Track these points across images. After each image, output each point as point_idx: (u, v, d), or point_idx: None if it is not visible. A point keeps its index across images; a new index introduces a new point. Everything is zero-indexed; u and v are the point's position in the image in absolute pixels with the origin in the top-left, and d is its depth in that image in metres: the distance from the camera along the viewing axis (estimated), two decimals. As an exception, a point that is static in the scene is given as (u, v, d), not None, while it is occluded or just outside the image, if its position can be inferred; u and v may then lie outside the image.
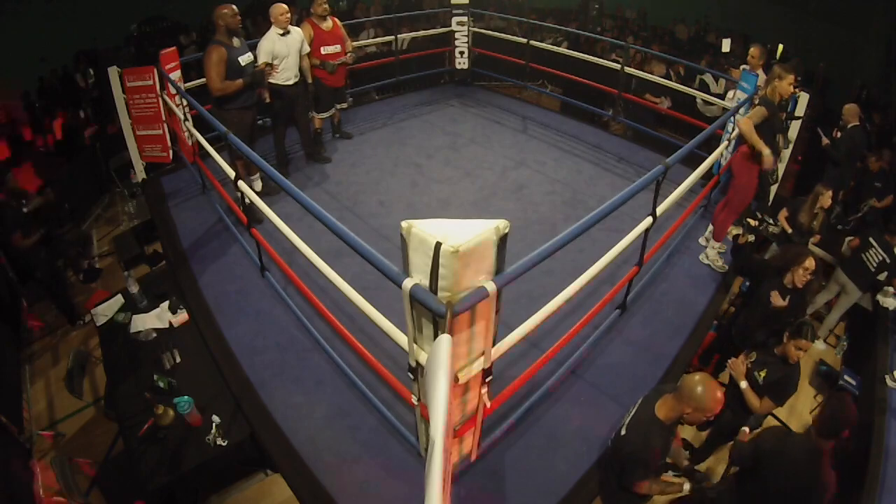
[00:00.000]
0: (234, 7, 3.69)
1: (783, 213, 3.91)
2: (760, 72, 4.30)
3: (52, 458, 2.96)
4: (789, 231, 3.83)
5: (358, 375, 2.73)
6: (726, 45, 5.03)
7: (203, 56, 3.72)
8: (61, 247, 5.05)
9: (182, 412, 2.61)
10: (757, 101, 3.38)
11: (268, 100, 4.11)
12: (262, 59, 3.96)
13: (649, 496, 2.22)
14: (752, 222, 3.77)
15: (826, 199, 3.70)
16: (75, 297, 4.91)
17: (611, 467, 2.20)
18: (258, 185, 4.33)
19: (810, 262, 2.88)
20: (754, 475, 2.34)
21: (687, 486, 2.19)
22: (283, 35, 4.07)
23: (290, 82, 4.26)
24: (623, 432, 2.08)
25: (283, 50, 4.09)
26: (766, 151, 3.16)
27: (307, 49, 4.35)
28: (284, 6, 4.05)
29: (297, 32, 4.20)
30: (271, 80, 4.11)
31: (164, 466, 2.51)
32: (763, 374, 2.69)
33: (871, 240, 3.93)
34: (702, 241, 3.89)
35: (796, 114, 4.06)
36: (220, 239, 3.93)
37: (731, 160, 3.65)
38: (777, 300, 2.93)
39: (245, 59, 3.79)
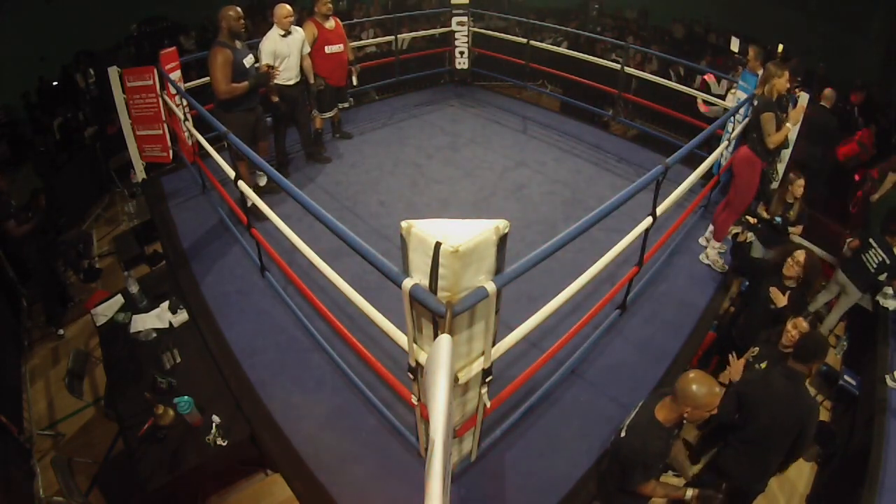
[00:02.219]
0: (240, 10, 3.68)
1: (761, 207, 3.89)
2: (761, 71, 4.31)
3: (52, 458, 2.96)
4: (767, 218, 3.79)
5: (358, 375, 2.73)
6: (735, 44, 5.02)
7: (208, 58, 3.71)
8: (61, 248, 5.05)
9: (182, 412, 2.61)
10: (756, 103, 3.38)
11: (276, 99, 4.11)
12: (264, 60, 3.97)
13: (649, 498, 2.22)
14: (752, 220, 3.76)
15: (797, 187, 3.66)
16: (76, 297, 4.92)
17: (610, 469, 2.20)
18: (263, 180, 4.33)
19: (799, 254, 2.89)
20: (743, 421, 2.41)
21: (689, 493, 2.18)
22: (284, 35, 4.08)
23: (291, 82, 4.26)
24: (623, 434, 2.08)
25: (284, 50, 4.09)
26: (788, 124, 3.25)
27: (308, 49, 4.36)
28: (289, 8, 4.06)
29: (298, 32, 4.20)
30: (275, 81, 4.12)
31: (164, 466, 2.51)
32: (764, 366, 2.69)
33: (871, 241, 3.93)
34: (702, 241, 3.89)
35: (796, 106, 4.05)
36: (220, 239, 3.93)
37: (731, 160, 3.65)
38: (777, 297, 2.93)
39: (248, 60, 3.79)
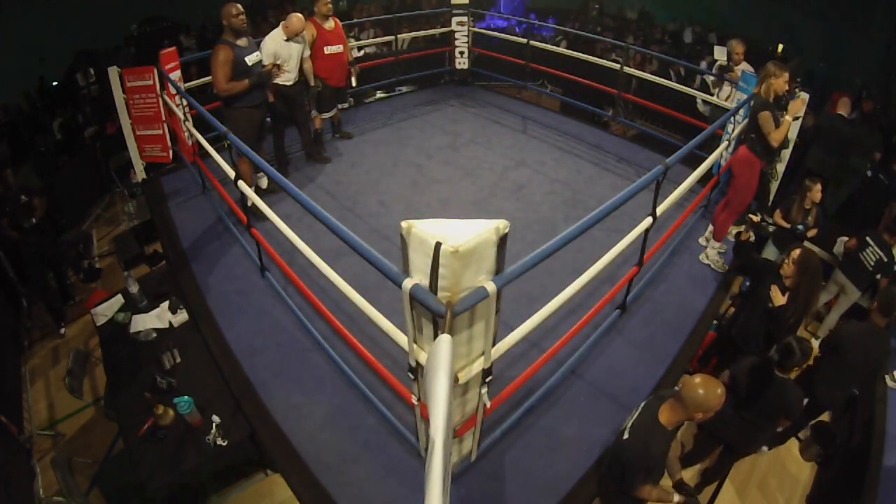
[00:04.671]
0: (240, 6, 3.67)
1: (777, 214, 3.91)
2: (745, 64, 4.40)
3: (52, 458, 2.96)
4: (787, 227, 3.80)
5: (358, 375, 2.73)
6: (720, 53, 5.01)
7: (210, 55, 3.71)
8: (61, 248, 5.05)
9: (182, 412, 2.61)
10: (753, 104, 3.37)
11: (271, 99, 4.12)
12: (266, 60, 3.97)
13: (647, 500, 2.22)
14: (755, 219, 3.76)
15: (816, 192, 3.69)
16: (76, 297, 4.92)
17: (611, 470, 2.20)
18: (264, 182, 4.33)
19: (795, 252, 2.89)
20: (833, 357, 3.08)
21: (677, 499, 2.19)
22: (287, 39, 4.09)
23: (291, 83, 4.27)
24: (625, 436, 2.07)
25: (285, 52, 4.09)
26: (787, 117, 3.28)
27: (308, 52, 4.37)
28: (302, 21, 4.09)
29: (300, 36, 4.21)
30: (275, 81, 4.13)
31: (164, 466, 2.51)
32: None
33: (868, 239, 3.93)
34: (702, 241, 3.89)
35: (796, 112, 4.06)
36: (220, 239, 3.93)
37: (731, 161, 3.64)
38: (776, 296, 2.93)
39: (252, 58, 3.77)
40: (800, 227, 3.69)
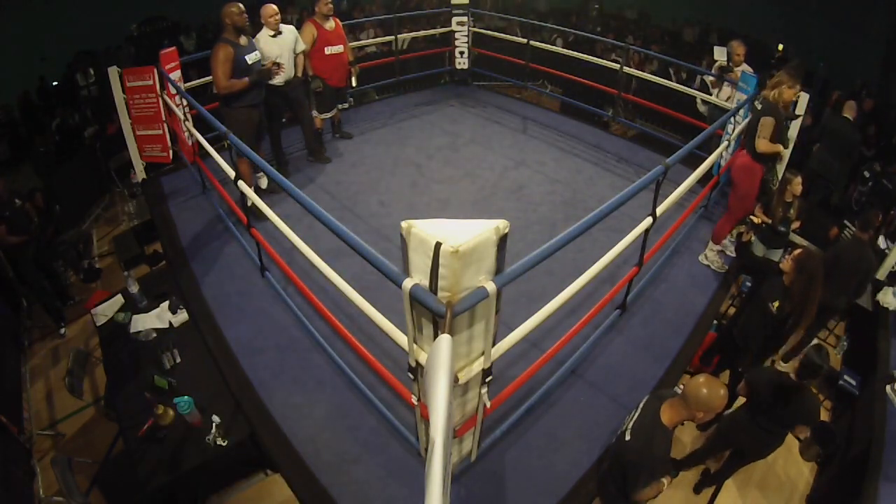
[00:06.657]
0: (241, 5, 3.66)
1: (758, 208, 3.89)
2: (745, 65, 4.40)
3: (52, 458, 2.96)
4: (769, 222, 3.79)
5: (358, 375, 2.73)
6: (719, 53, 4.99)
7: (210, 54, 3.71)
8: (61, 248, 5.05)
9: (182, 412, 2.61)
10: (759, 106, 3.34)
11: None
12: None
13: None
14: (756, 220, 3.75)
15: (796, 185, 3.67)
16: (76, 297, 4.92)
17: (612, 472, 2.19)
18: (264, 182, 4.33)
19: (797, 251, 2.89)
20: (833, 268, 3.30)
21: (665, 481, 2.18)
22: (273, 36, 4.07)
23: (282, 83, 4.23)
24: (627, 437, 2.06)
25: (274, 50, 4.06)
26: (782, 149, 3.41)
27: (302, 47, 4.33)
28: (274, 8, 4.04)
29: (289, 32, 4.18)
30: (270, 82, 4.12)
31: (164, 466, 2.51)
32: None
33: (846, 222, 3.96)
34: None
35: (796, 112, 4.06)
36: (220, 239, 3.93)
37: (732, 170, 3.57)
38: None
39: (252, 57, 3.77)
40: (780, 227, 3.70)
